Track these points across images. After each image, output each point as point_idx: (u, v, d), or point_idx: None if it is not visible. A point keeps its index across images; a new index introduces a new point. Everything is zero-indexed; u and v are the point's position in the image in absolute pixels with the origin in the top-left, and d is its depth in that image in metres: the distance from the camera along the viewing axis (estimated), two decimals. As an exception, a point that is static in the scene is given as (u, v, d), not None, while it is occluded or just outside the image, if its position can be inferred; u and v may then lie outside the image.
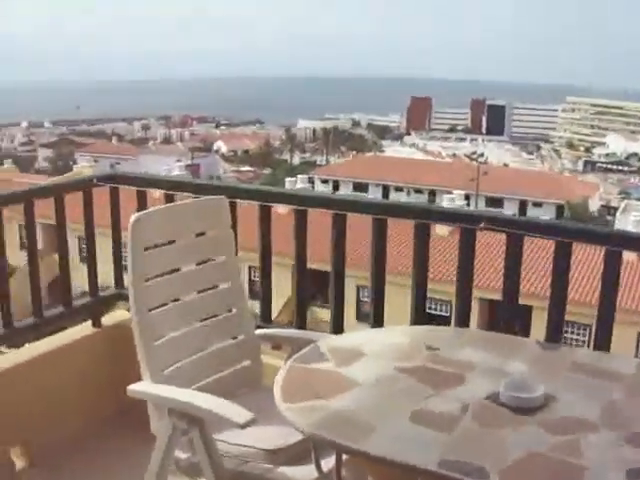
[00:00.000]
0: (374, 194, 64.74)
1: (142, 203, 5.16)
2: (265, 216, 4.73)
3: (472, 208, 51.79)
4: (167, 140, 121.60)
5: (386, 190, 65.84)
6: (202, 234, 3.89)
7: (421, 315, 4.33)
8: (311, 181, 57.33)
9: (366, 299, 24.03)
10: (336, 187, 67.64)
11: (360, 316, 27.64)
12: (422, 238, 4.24)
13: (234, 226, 4.35)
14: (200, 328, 3.81)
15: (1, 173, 51.61)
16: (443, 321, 24.92)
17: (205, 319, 3.83)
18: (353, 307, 28.71)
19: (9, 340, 5.11)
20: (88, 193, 5.24)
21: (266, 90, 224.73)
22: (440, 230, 23.83)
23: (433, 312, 29.18)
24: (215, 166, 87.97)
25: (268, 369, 3.83)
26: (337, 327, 4.63)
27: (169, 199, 5.02)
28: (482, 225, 3.93)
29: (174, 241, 3.77)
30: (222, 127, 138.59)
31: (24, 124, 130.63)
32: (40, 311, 4.97)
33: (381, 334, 3.68)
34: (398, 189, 65.57)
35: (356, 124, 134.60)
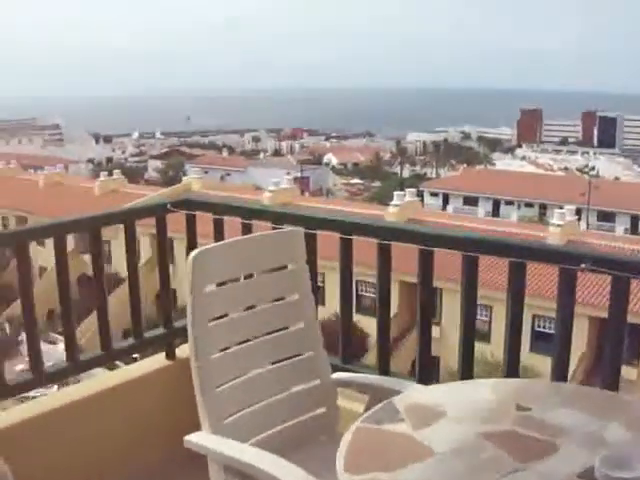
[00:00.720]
0: (484, 207, 64.10)
1: (219, 232, 4.82)
2: (346, 248, 4.35)
3: (583, 224, 50.78)
4: (277, 152, 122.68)
5: (496, 204, 65.07)
6: (274, 270, 3.55)
7: (515, 363, 3.92)
8: (420, 194, 56.80)
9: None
10: (446, 200, 67.09)
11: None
12: (518, 278, 3.82)
13: (314, 259, 4.04)
14: (270, 373, 3.49)
15: (110, 183, 52.47)
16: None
17: (275, 362, 3.50)
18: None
19: (74, 373, 4.82)
20: (161, 219, 4.90)
21: (377, 102, 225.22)
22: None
23: (542, 330, 28.56)
24: (325, 179, 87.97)
25: (348, 414, 3.48)
26: (424, 374, 4.23)
27: (247, 228, 4.69)
28: (584, 266, 3.52)
29: (240, 278, 3.46)
30: (332, 140, 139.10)
31: (135, 135, 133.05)
32: (108, 344, 4.69)
33: (467, 389, 3.29)
34: (508, 203, 64.73)
35: (466, 137, 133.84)
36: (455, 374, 4.05)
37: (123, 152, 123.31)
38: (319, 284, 4.38)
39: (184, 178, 53.61)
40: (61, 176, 59.21)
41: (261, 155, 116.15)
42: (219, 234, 4.79)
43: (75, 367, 4.58)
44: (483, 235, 4.42)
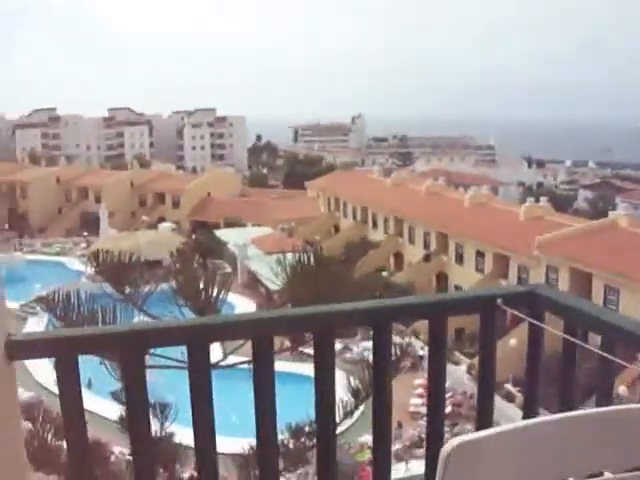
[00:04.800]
0: None
1: (569, 357, 3.41)
2: None
3: None
4: None
5: None
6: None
7: None
8: None
9: None
10: None
11: None
12: None
13: None
14: None
15: (535, 210, 51.94)
16: None
17: None
18: None
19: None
20: (488, 317, 3.49)
21: None
22: None
23: None
24: None
25: None
26: None
27: (607, 365, 3.16)
28: None
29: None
30: None
31: (568, 163, 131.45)
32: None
33: None
34: None
35: None
36: None
37: (554, 179, 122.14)
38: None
39: (610, 213, 51.42)
40: (487, 197, 59.34)
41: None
42: (568, 367, 3.39)
43: None
44: None
